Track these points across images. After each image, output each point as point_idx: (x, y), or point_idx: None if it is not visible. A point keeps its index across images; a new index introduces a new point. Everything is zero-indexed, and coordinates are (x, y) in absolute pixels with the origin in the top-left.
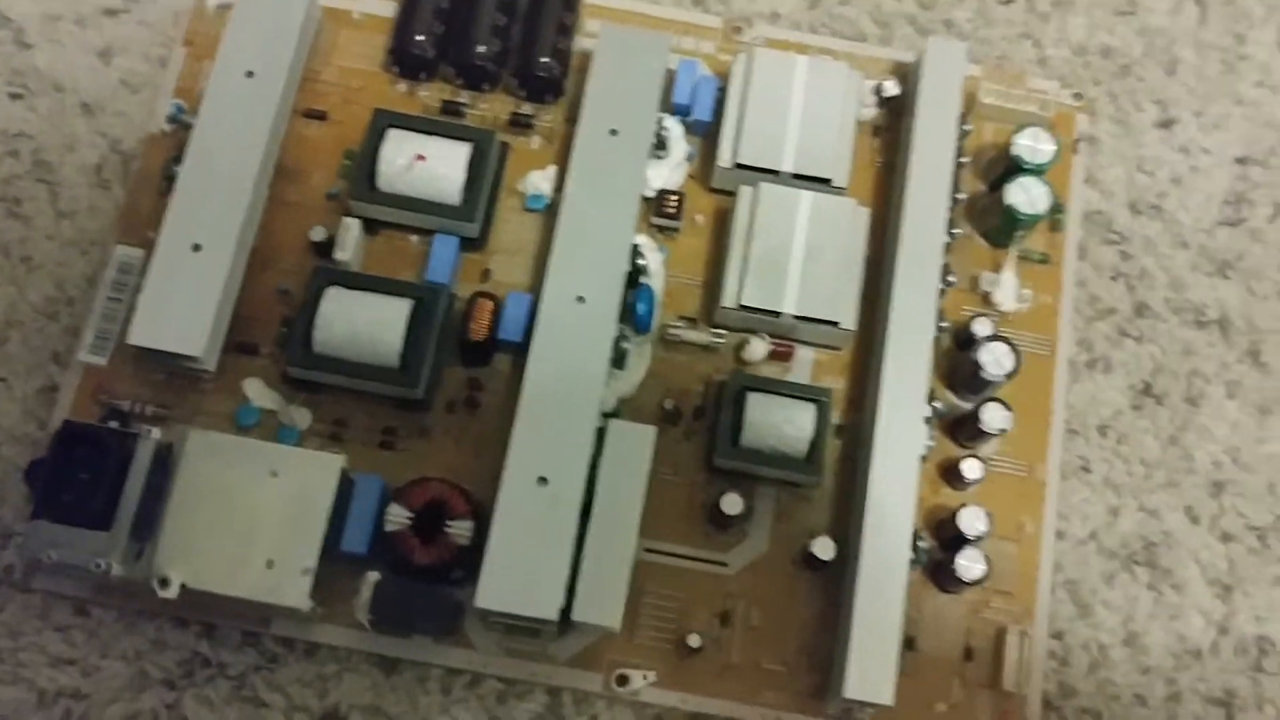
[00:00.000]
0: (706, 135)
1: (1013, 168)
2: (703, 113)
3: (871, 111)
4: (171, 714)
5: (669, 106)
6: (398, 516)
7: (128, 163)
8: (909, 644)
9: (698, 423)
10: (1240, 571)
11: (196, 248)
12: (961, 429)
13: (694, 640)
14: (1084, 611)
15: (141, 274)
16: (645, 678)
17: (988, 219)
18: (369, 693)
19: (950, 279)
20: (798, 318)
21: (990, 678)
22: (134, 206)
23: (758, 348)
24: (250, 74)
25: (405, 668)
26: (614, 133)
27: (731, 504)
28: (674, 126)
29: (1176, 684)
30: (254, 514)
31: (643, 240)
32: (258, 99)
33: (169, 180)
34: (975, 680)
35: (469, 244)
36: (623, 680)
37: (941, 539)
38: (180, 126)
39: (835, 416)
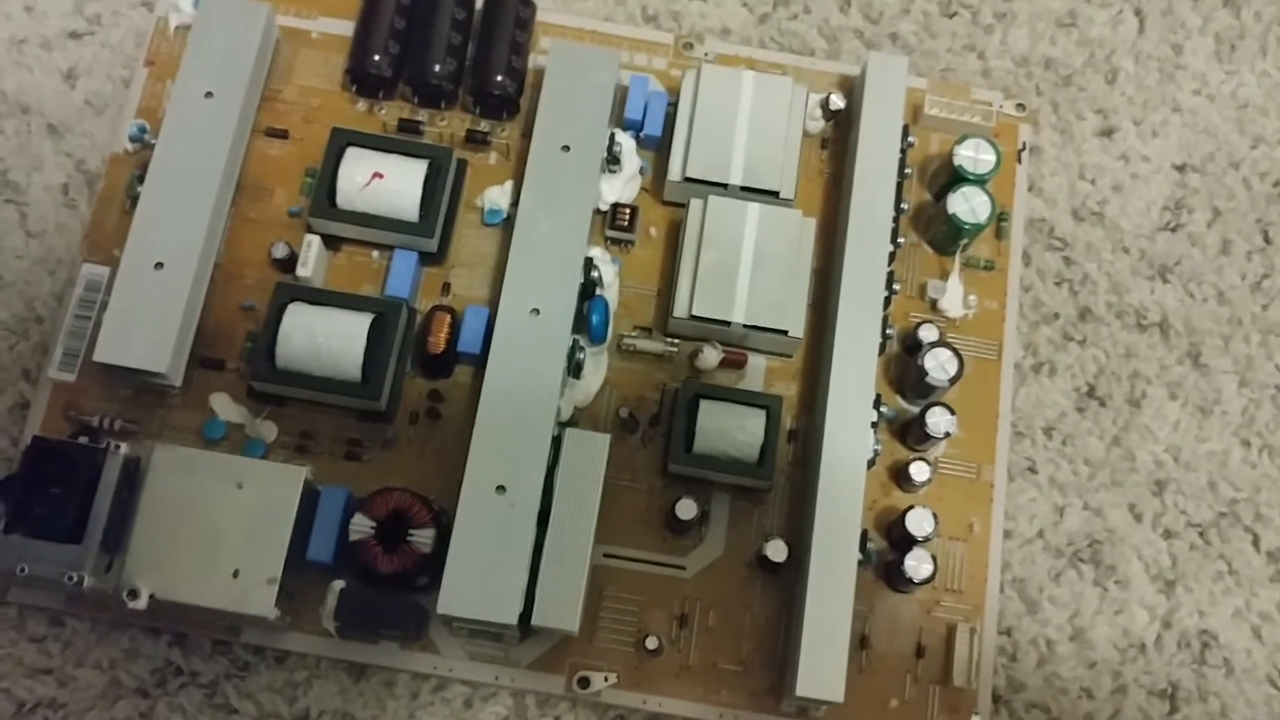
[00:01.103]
0: (658, 149)
1: (955, 178)
2: (654, 128)
3: (819, 124)
4: None
5: (621, 122)
6: (361, 526)
7: (93, 182)
8: (862, 642)
9: (653, 430)
10: (1182, 567)
11: (159, 266)
12: (909, 432)
13: (652, 642)
14: (1032, 608)
15: (108, 292)
16: (606, 679)
17: (933, 228)
18: (338, 698)
19: (895, 287)
20: (747, 326)
21: (941, 674)
22: (99, 225)
23: (710, 356)
24: (209, 94)
25: (373, 673)
26: (566, 148)
27: (686, 509)
28: (626, 141)
29: (1122, 677)
30: (220, 525)
31: (597, 253)
32: (217, 118)
33: (133, 199)
34: (927, 676)
35: (428, 259)
36: (584, 682)
37: (891, 540)
38: (143, 146)
39: (788, 422)
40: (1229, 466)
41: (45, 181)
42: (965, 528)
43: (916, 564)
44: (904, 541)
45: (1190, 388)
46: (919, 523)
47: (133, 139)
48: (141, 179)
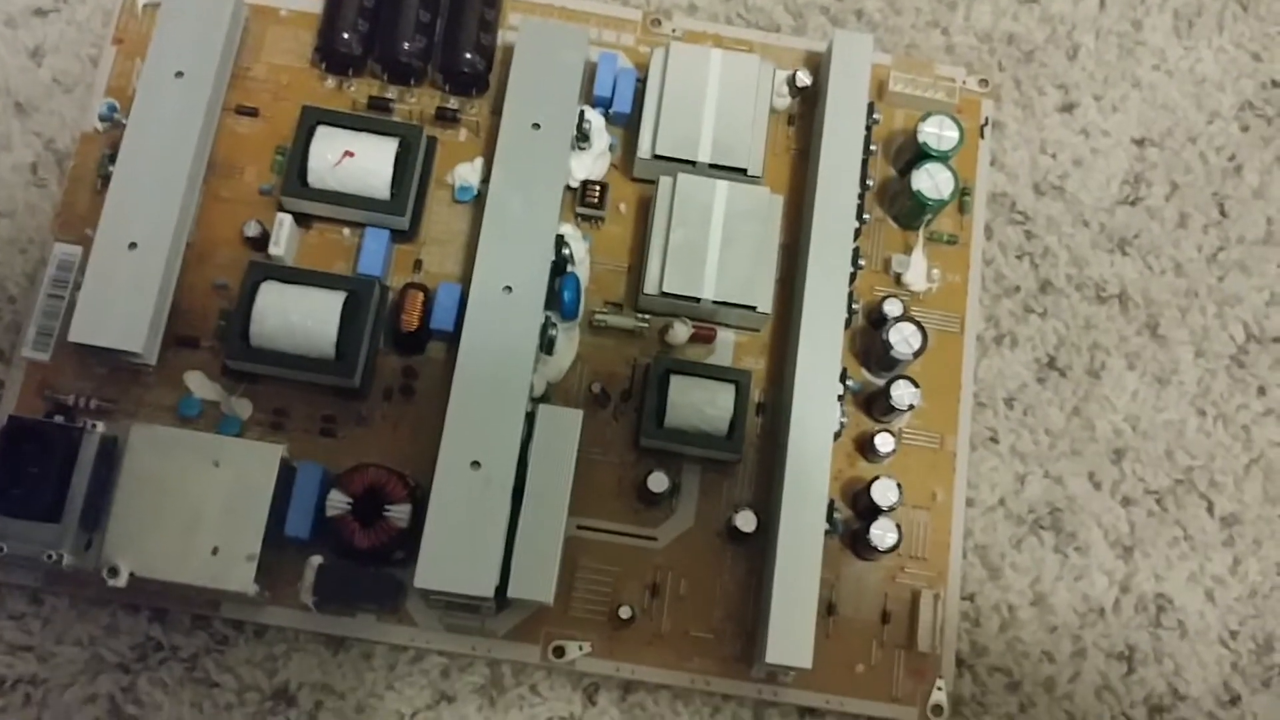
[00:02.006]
0: (627, 126)
1: (920, 154)
2: (623, 105)
3: (786, 101)
4: (127, 696)
5: (590, 99)
6: (338, 502)
7: (63, 161)
8: (829, 610)
9: (625, 404)
10: (1140, 533)
11: (133, 245)
12: (875, 404)
13: (625, 612)
14: (994, 574)
15: (80, 271)
16: (581, 648)
17: (898, 203)
18: (317, 670)
19: (861, 262)
20: (716, 302)
21: (906, 639)
22: (70, 205)
23: (680, 331)
24: (180, 74)
25: (351, 646)
26: (536, 126)
27: (658, 482)
28: (595, 118)
29: (1082, 640)
30: (198, 503)
31: (568, 230)
32: (188, 98)
33: (104, 179)
34: (892, 642)
35: (400, 236)
36: (559, 651)
37: (857, 509)
38: (113, 125)
39: (756, 395)
40: (1185, 435)
41: (14, 161)
42: (929, 496)
43: (882, 533)
44: (869, 511)
45: (1148, 358)
46: (884, 492)
47: (103, 118)
48: (113, 158)
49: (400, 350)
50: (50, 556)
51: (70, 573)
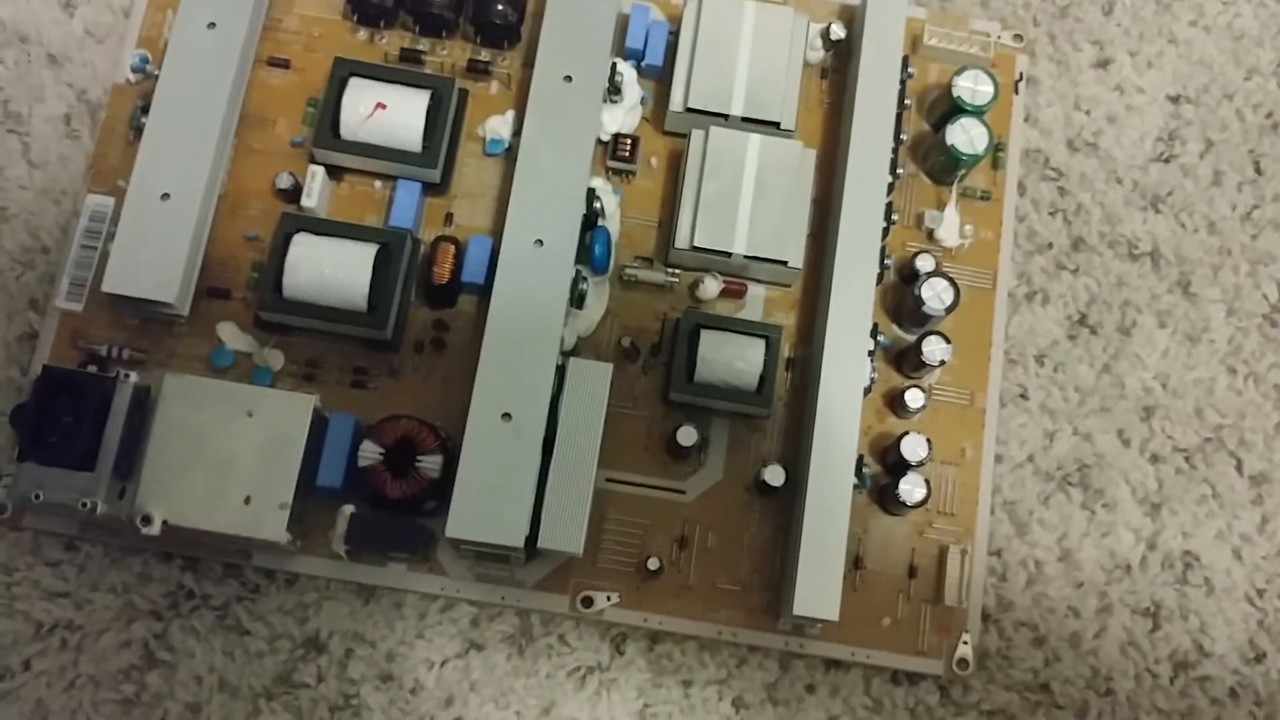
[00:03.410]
0: (660, 79)
1: (954, 109)
2: (655, 57)
3: (819, 55)
4: (160, 643)
5: (622, 51)
6: (370, 452)
7: (95, 112)
8: (857, 563)
9: (654, 359)
10: (1168, 491)
11: (165, 197)
12: (905, 360)
13: (654, 563)
14: (1021, 530)
15: (113, 222)
16: (609, 599)
17: (931, 158)
18: (348, 619)
19: (894, 218)
20: (748, 257)
21: (933, 593)
22: (103, 156)
23: (711, 286)
24: (212, 25)
25: (382, 594)
26: (568, 79)
27: (687, 435)
28: (627, 71)
29: (1108, 597)
30: (231, 453)
31: (599, 183)
32: (220, 49)
33: (136, 130)
34: (919, 596)
35: (431, 189)
36: (588, 601)
37: (886, 465)
38: (145, 76)
39: (786, 350)
40: (1215, 394)
41: (47, 112)
42: (958, 453)
43: (910, 488)
44: (898, 466)
45: (1180, 316)
46: (913, 448)
47: (135, 69)
48: (145, 110)
49: (431, 303)
50: (85, 505)
51: (104, 521)
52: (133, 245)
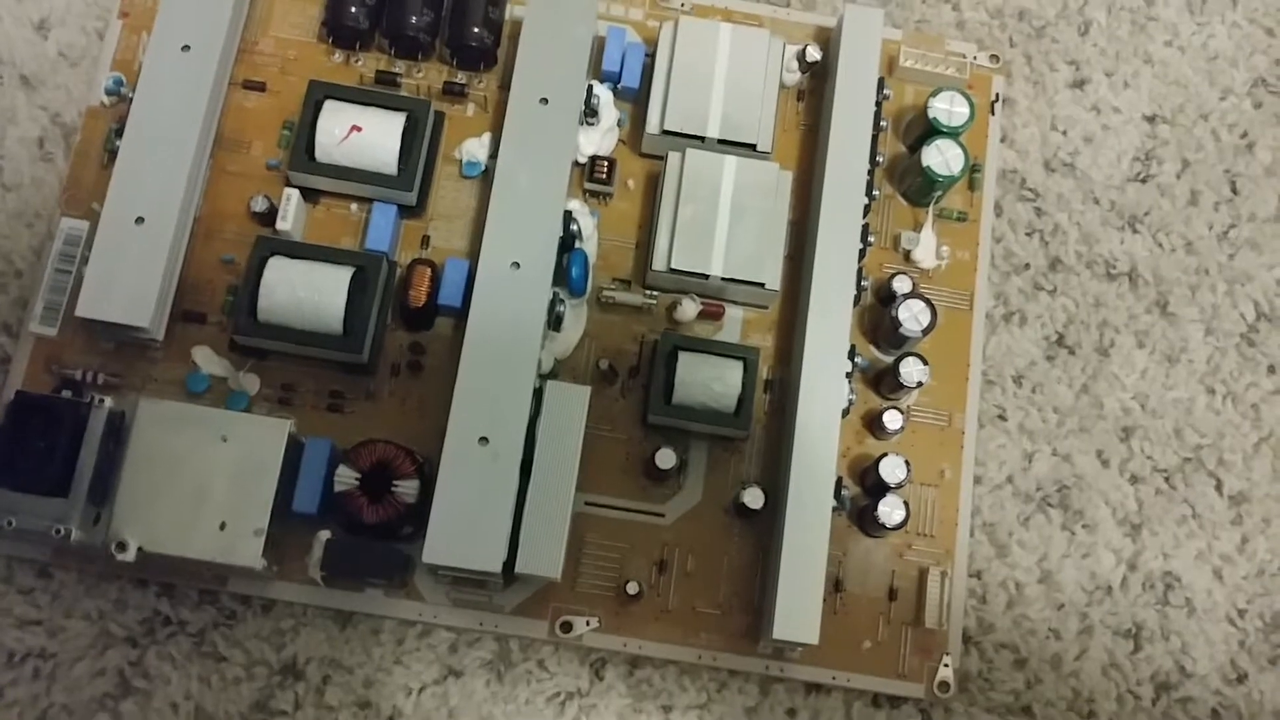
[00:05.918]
0: (636, 101)
1: (930, 130)
2: (631, 80)
3: (795, 77)
4: (135, 670)
5: (599, 74)
6: (346, 477)
7: (69, 135)
8: (836, 586)
9: (632, 381)
10: (1148, 511)
11: (139, 220)
12: (883, 382)
13: (633, 587)
14: (1001, 552)
15: (87, 245)
16: (588, 623)
17: (907, 180)
18: (325, 645)
19: (870, 239)
20: (725, 279)
21: (913, 615)
22: (77, 179)
23: (689, 308)
24: (186, 47)
25: (359, 620)
26: (544, 101)
27: (665, 458)
28: (604, 93)
29: (1088, 618)
30: (206, 478)
31: (576, 205)
32: (195, 72)
33: (111, 153)
34: (899, 618)
35: (407, 211)
36: (567, 627)
37: (865, 486)
38: (120, 99)
39: (764, 372)
40: (1194, 413)
41: (20, 134)
42: (937, 474)
43: (889, 510)
44: (877, 488)
45: (1158, 336)
46: (892, 469)
47: (109, 92)
48: (119, 133)
49: (408, 326)
50: (58, 531)
51: (78, 547)
52: (107, 269)
